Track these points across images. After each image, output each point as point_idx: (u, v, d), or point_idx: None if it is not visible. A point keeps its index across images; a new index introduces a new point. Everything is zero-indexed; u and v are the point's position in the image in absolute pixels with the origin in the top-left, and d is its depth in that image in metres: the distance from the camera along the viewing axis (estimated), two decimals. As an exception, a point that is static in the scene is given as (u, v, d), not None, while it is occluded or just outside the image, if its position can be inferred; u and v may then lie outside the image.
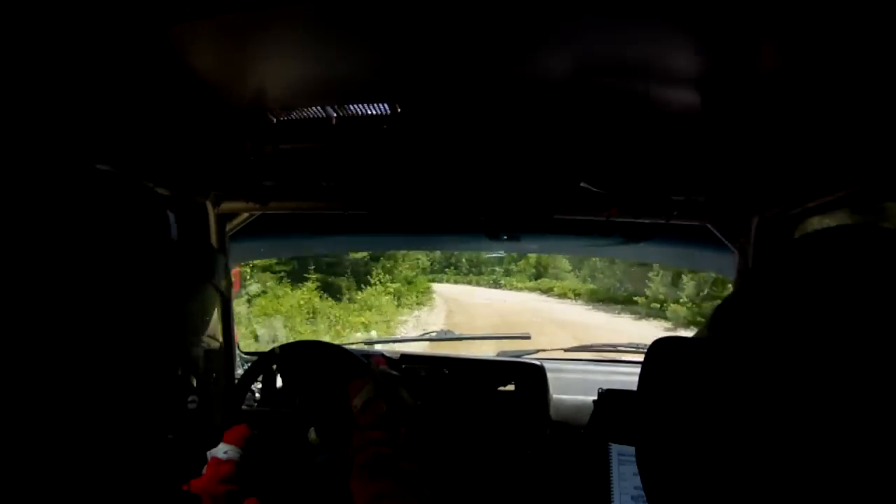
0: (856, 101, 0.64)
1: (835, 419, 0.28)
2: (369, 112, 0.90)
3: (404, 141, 0.96)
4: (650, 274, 12.20)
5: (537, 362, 1.36)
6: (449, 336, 1.93)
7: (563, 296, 15.74)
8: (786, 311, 0.32)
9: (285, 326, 7.46)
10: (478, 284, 19.95)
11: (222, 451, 0.97)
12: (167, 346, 0.49)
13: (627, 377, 1.45)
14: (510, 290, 18.55)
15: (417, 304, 12.88)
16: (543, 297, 15.98)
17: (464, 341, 2.06)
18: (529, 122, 0.91)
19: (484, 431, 1.26)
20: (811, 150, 0.78)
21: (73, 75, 0.63)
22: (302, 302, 8.72)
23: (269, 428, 1.10)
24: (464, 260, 20.55)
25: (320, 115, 0.91)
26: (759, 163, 0.90)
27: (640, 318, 11.77)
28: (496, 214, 1.10)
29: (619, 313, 12.52)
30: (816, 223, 0.95)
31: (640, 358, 0.41)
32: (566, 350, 1.71)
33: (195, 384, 0.52)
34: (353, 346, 1.60)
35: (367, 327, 8.80)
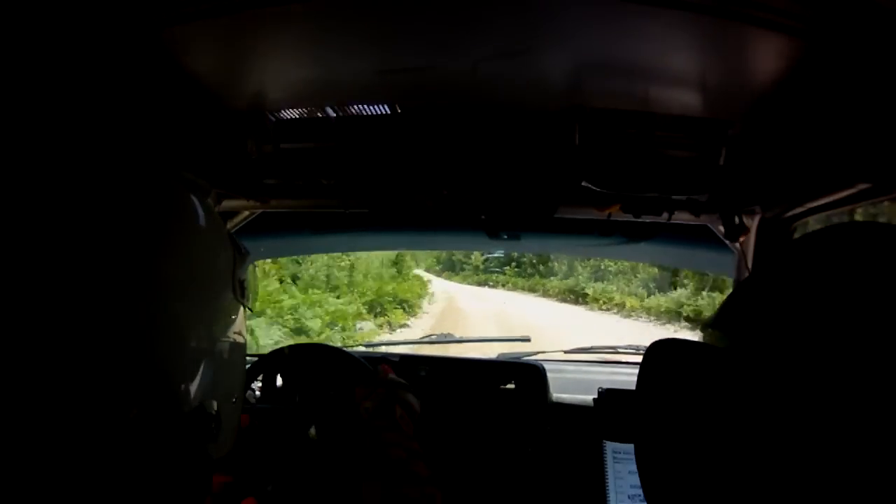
0: (856, 101, 0.64)
1: (834, 419, 0.28)
2: (369, 111, 0.90)
3: (404, 140, 0.96)
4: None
5: (537, 363, 1.36)
6: (450, 339, 1.93)
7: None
8: (785, 310, 0.32)
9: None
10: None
11: None
12: (186, 346, 0.48)
13: (627, 378, 1.45)
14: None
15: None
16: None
17: (464, 344, 2.06)
18: (530, 121, 0.91)
19: (484, 431, 1.26)
20: (811, 150, 0.78)
21: (74, 75, 0.64)
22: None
23: (267, 424, 1.10)
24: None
25: (321, 115, 0.92)
26: (759, 163, 0.90)
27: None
28: (496, 213, 1.10)
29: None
30: (816, 223, 0.95)
31: (640, 359, 0.42)
32: (566, 352, 1.71)
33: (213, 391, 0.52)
34: (354, 350, 1.60)
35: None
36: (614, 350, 1.73)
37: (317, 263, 8.84)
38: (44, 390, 0.40)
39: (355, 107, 0.89)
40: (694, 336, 0.42)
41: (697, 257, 1.51)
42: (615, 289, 12.83)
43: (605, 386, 1.22)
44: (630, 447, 0.63)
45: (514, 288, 17.21)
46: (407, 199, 1.12)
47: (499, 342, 1.92)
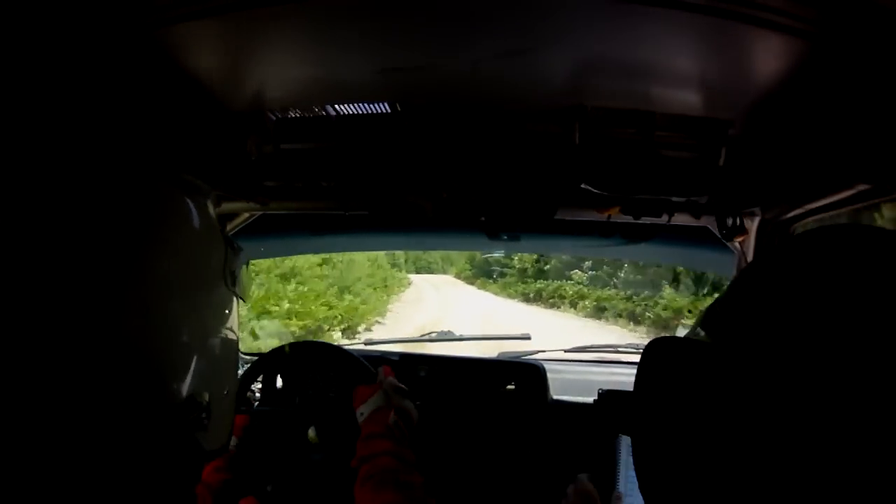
0: (856, 102, 0.64)
1: (830, 418, 0.28)
2: (370, 112, 0.90)
3: (404, 140, 0.96)
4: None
5: (537, 363, 1.36)
6: (449, 337, 1.93)
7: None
8: (780, 308, 0.32)
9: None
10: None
11: None
12: (178, 341, 0.49)
13: (627, 377, 1.45)
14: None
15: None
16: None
17: (464, 342, 2.06)
18: (530, 121, 0.91)
19: (484, 430, 1.26)
20: (811, 151, 0.78)
21: (73, 76, 0.64)
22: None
23: (268, 425, 1.10)
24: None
25: (321, 115, 0.92)
26: (759, 164, 0.90)
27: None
28: (496, 214, 1.10)
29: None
30: (816, 223, 0.95)
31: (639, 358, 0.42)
32: (566, 351, 1.71)
33: (206, 385, 0.52)
34: (353, 347, 1.60)
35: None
36: (614, 349, 1.73)
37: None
38: (35, 380, 0.40)
39: (355, 106, 0.89)
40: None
41: (698, 258, 1.52)
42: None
43: (605, 385, 1.22)
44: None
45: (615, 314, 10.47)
46: (407, 200, 1.11)
47: (499, 340, 1.92)
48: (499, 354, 1.65)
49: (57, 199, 0.43)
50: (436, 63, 0.73)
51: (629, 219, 1.05)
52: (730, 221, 1.03)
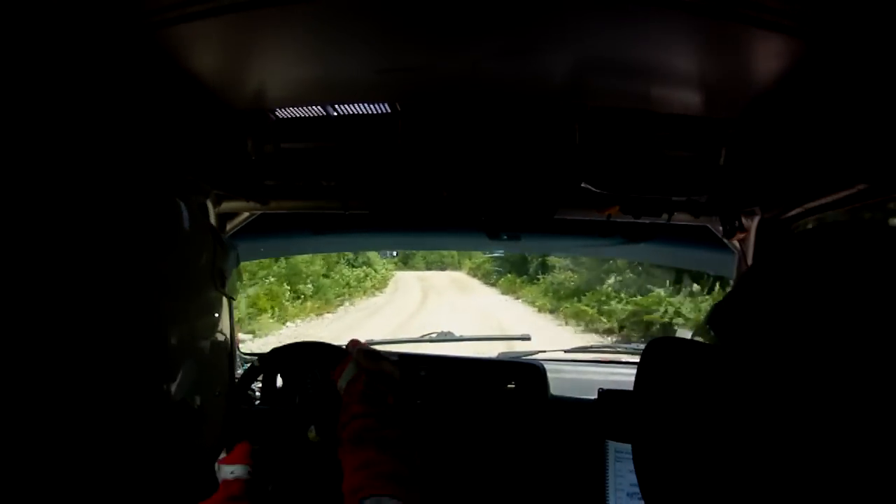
0: (855, 101, 0.64)
1: (830, 418, 0.28)
2: (370, 111, 0.90)
3: (405, 140, 0.96)
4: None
5: (537, 363, 1.36)
6: (449, 337, 1.93)
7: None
8: (783, 308, 0.32)
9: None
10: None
11: (228, 471, 0.97)
12: (170, 342, 0.48)
13: (627, 378, 1.45)
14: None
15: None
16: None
17: (463, 343, 2.06)
18: (530, 121, 0.91)
19: (484, 431, 1.26)
20: (811, 150, 0.78)
21: (75, 75, 0.64)
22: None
23: (269, 428, 1.10)
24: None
25: (321, 115, 0.92)
26: (759, 162, 0.90)
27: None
28: (497, 214, 1.10)
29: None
30: (816, 223, 0.95)
31: (639, 359, 0.42)
32: (566, 351, 1.71)
33: (196, 385, 0.52)
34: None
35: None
36: (614, 350, 1.74)
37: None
38: (28, 378, 0.40)
39: (356, 106, 0.89)
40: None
41: (697, 257, 1.51)
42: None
43: (605, 386, 1.22)
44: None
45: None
46: (407, 200, 1.12)
47: (498, 340, 1.92)
48: (499, 354, 1.65)
49: (51, 197, 0.43)
50: (435, 63, 0.73)
51: (629, 218, 1.05)
52: (730, 221, 1.04)
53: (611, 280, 9.55)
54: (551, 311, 10.18)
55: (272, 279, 9.07)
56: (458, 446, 1.26)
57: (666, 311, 8.24)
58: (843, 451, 0.27)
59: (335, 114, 0.91)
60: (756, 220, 1.05)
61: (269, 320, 8.40)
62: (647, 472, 0.38)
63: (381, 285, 14.24)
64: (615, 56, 0.68)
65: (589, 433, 1.18)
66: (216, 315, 0.57)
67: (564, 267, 10.78)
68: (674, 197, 1.02)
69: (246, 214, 1.27)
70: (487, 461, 1.25)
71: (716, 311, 0.39)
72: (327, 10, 0.58)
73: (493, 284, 14.73)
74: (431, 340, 1.96)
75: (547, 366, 1.33)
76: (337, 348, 1.20)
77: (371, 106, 0.88)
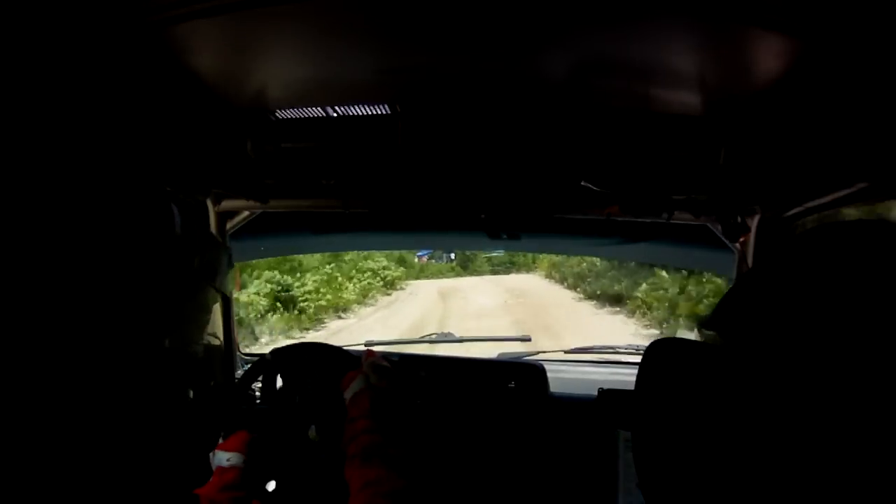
0: (855, 101, 0.64)
1: (829, 416, 0.28)
2: (370, 111, 0.90)
3: (405, 139, 0.96)
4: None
5: (537, 363, 1.36)
6: (450, 338, 1.93)
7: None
8: (783, 308, 0.32)
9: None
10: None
11: (225, 458, 0.97)
12: (166, 344, 0.49)
13: (627, 378, 1.45)
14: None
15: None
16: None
17: (464, 343, 2.06)
18: (530, 120, 0.91)
19: (484, 431, 1.26)
20: (811, 150, 0.78)
21: (75, 75, 0.64)
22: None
23: (269, 427, 1.10)
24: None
25: (321, 115, 0.92)
26: (759, 162, 0.90)
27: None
28: (497, 213, 1.10)
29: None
30: (816, 223, 0.95)
31: (639, 359, 0.42)
32: (566, 351, 1.71)
33: (194, 384, 0.52)
34: (353, 348, 1.60)
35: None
36: (614, 350, 1.73)
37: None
38: (26, 376, 0.40)
39: (355, 106, 0.89)
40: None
41: (697, 257, 1.51)
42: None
43: (605, 386, 1.22)
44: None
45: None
46: (407, 199, 1.12)
47: (499, 341, 1.92)
48: (499, 355, 1.65)
49: (49, 194, 0.43)
50: (436, 63, 0.73)
51: (629, 217, 1.05)
52: (730, 220, 1.04)
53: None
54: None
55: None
56: (458, 446, 1.26)
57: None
58: (842, 448, 0.27)
59: (335, 114, 0.91)
60: (756, 219, 1.05)
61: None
62: (648, 469, 0.38)
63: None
64: (615, 56, 0.68)
65: (595, 427, 1.18)
66: (209, 307, 0.57)
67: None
68: (674, 196, 1.02)
69: (246, 213, 1.27)
70: (488, 461, 1.25)
71: (717, 310, 0.39)
72: (327, 10, 0.58)
73: (594, 296, 9.57)
74: (432, 341, 1.96)
75: (547, 366, 1.33)
76: (337, 349, 1.20)
77: (371, 106, 0.88)
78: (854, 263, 0.31)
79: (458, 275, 15.45)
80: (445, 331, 1.99)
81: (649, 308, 7.97)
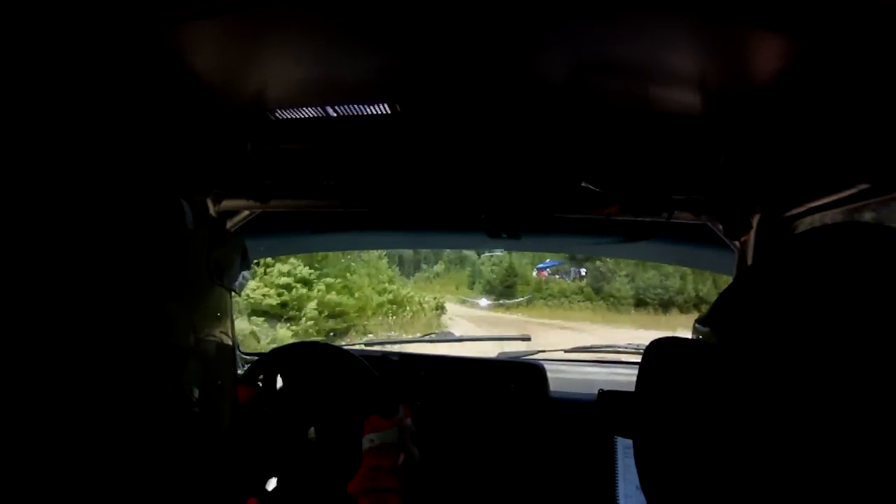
0: (856, 100, 0.64)
1: (830, 417, 0.28)
2: (370, 111, 0.90)
3: (405, 139, 0.96)
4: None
5: (537, 363, 1.36)
6: (450, 337, 1.93)
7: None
8: (783, 308, 0.32)
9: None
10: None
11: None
12: (171, 341, 0.48)
13: (627, 378, 1.45)
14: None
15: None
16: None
17: (464, 343, 2.06)
18: (530, 120, 0.91)
19: (484, 431, 1.27)
20: (812, 150, 0.78)
21: (75, 75, 0.64)
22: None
23: (269, 427, 1.11)
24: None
25: (321, 114, 0.92)
26: (759, 162, 0.90)
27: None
28: (496, 213, 1.10)
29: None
30: (816, 222, 0.95)
31: (639, 358, 0.42)
32: (566, 351, 1.71)
33: (197, 385, 0.52)
34: (352, 347, 1.60)
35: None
36: (614, 349, 1.73)
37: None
38: (28, 376, 0.40)
39: (355, 106, 0.89)
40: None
41: (698, 256, 1.51)
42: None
43: (605, 386, 1.22)
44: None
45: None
46: (407, 199, 1.12)
47: (499, 341, 1.92)
48: (498, 355, 1.65)
49: (53, 195, 0.43)
50: (436, 63, 0.73)
51: (629, 217, 1.05)
52: (730, 220, 1.03)
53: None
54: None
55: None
56: (458, 446, 1.26)
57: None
58: (843, 450, 0.27)
59: (335, 114, 0.91)
60: (756, 219, 1.05)
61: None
62: (650, 471, 0.38)
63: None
64: (615, 56, 0.68)
65: (594, 430, 1.18)
66: (218, 307, 0.57)
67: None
68: (674, 196, 1.02)
69: (246, 213, 1.27)
70: (489, 461, 1.25)
71: (714, 307, 0.39)
72: (327, 10, 0.58)
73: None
74: (432, 341, 1.96)
75: (547, 366, 1.33)
76: (337, 349, 1.20)
77: (371, 106, 0.88)
78: (854, 263, 0.31)
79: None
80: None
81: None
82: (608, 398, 1.19)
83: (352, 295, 8.38)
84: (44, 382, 0.40)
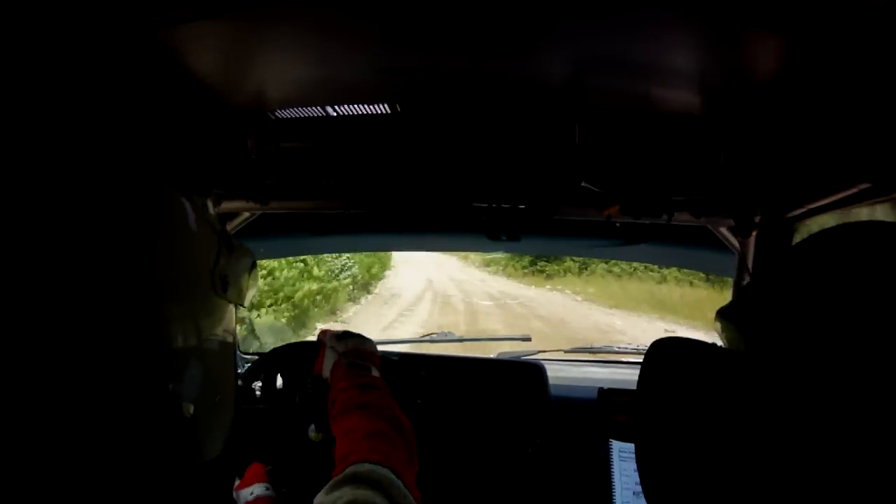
0: (856, 101, 0.64)
1: (835, 420, 0.28)
2: (370, 111, 0.90)
3: (405, 140, 0.96)
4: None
5: (537, 363, 1.36)
6: (450, 338, 1.93)
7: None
8: (788, 311, 0.32)
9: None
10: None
11: (248, 493, 0.96)
12: (171, 345, 0.48)
13: (627, 378, 1.45)
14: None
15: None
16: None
17: (464, 343, 2.06)
18: (530, 121, 0.91)
19: (484, 431, 1.26)
20: (812, 151, 0.78)
21: (75, 75, 0.64)
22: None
23: (269, 427, 1.11)
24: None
25: (321, 115, 0.92)
26: (759, 163, 0.90)
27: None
28: (496, 214, 1.10)
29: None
30: (817, 224, 0.94)
31: (640, 359, 0.42)
32: (566, 351, 1.71)
33: (197, 385, 0.51)
34: None
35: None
36: (615, 350, 1.74)
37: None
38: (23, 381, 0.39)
39: (355, 106, 0.89)
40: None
41: (698, 258, 1.51)
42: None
43: (605, 385, 1.22)
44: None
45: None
46: (407, 200, 1.11)
47: (499, 341, 1.92)
48: (498, 354, 1.65)
49: (51, 197, 0.42)
50: (435, 63, 0.73)
51: (629, 219, 1.05)
52: (730, 221, 1.03)
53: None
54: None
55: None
56: (458, 446, 1.26)
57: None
58: (847, 451, 0.27)
59: (335, 114, 0.91)
60: (757, 220, 1.04)
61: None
62: (650, 472, 0.38)
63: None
64: (615, 56, 0.68)
65: (591, 432, 1.18)
66: (219, 318, 0.56)
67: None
68: (674, 197, 1.02)
69: (246, 214, 1.27)
70: (489, 461, 1.25)
71: (725, 312, 0.38)
72: (327, 10, 0.58)
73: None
74: (432, 341, 1.96)
75: (547, 366, 1.33)
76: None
77: (371, 106, 0.88)
78: (866, 266, 0.30)
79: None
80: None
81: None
82: (608, 397, 1.19)
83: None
84: (44, 382, 0.40)
